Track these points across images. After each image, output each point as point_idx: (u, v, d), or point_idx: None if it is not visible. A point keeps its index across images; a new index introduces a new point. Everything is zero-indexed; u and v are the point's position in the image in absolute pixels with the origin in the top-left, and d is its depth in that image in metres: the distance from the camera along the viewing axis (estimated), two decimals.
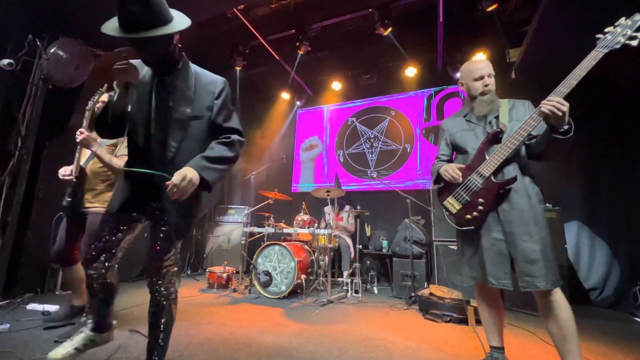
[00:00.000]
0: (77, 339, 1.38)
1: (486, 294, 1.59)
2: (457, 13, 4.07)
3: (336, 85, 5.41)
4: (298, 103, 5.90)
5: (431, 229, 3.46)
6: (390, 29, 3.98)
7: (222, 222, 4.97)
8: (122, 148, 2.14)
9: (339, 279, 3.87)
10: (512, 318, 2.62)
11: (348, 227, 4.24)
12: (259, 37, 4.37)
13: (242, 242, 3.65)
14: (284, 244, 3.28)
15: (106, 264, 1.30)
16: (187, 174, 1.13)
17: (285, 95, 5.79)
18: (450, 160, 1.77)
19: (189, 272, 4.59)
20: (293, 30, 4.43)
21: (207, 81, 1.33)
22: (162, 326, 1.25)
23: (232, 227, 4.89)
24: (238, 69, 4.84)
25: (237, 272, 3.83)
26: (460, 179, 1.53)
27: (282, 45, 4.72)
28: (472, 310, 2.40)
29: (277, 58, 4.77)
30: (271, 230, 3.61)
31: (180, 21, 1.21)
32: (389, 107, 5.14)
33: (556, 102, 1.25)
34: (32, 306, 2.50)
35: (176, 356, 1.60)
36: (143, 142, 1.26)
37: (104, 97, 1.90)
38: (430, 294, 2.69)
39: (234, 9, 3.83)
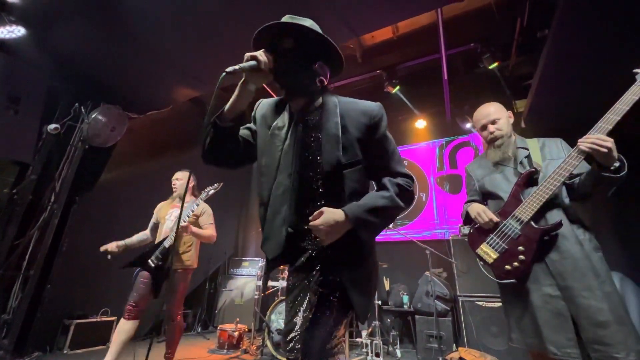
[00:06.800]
0: None
1: None
2: (461, 70, 4.35)
3: None
4: None
5: (454, 282, 3.25)
6: (397, 87, 4.27)
7: (236, 275, 4.86)
8: (207, 217, 2.62)
9: (357, 340, 3.58)
10: None
11: None
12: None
13: (255, 297, 3.52)
14: None
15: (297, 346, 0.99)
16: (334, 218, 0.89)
17: None
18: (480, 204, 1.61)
19: (199, 330, 4.38)
20: None
21: (358, 112, 1.00)
22: None
23: (246, 280, 4.76)
24: None
25: (249, 331, 3.62)
26: (493, 222, 1.37)
27: None
28: None
29: None
30: (285, 284, 3.49)
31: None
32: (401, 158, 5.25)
33: (595, 138, 1.15)
34: None
35: None
36: (280, 203, 0.99)
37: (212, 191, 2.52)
38: (460, 358, 2.42)
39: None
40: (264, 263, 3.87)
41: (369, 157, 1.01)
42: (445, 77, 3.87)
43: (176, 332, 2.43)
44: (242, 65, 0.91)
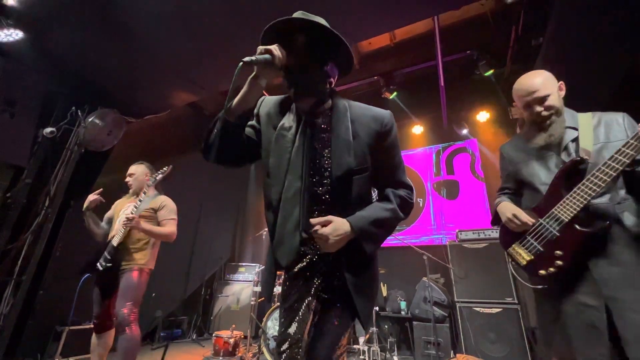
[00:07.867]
0: None
1: None
2: (457, 77, 4.40)
3: None
4: None
5: (452, 288, 3.24)
6: (395, 93, 4.30)
7: (232, 280, 4.81)
8: (167, 212, 2.29)
9: (354, 347, 3.54)
10: None
11: None
12: None
13: (252, 302, 3.49)
14: None
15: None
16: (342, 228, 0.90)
17: None
18: (515, 194, 1.37)
19: (194, 337, 4.32)
20: None
21: (369, 118, 1.01)
22: None
23: (242, 286, 4.71)
24: None
25: (245, 337, 3.58)
26: (528, 226, 1.19)
27: None
28: None
29: None
30: (280, 290, 3.46)
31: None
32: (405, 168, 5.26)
33: None
34: None
35: None
36: (289, 209, 0.96)
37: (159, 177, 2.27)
38: None
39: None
40: (262, 269, 3.84)
41: (376, 164, 1.00)
42: (442, 83, 3.90)
43: (130, 345, 1.90)
44: (257, 57, 0.89)
